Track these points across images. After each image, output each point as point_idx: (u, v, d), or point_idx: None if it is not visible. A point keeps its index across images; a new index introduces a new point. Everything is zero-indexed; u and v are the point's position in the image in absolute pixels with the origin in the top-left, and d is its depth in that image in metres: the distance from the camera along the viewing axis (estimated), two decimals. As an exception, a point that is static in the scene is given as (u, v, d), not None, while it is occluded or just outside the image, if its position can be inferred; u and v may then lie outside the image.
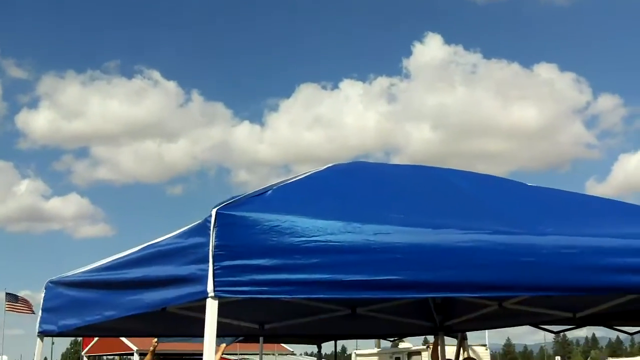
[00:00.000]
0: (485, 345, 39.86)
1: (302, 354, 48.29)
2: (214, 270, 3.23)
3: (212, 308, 3.25)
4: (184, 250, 3.53)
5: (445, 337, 7.59)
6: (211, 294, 3.23)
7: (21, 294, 51.76)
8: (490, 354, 42.17)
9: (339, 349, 14.07)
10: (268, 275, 3.28)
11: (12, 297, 49.03)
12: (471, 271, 3.49)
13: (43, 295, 5.68)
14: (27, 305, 48.46)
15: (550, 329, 7.30)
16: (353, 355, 43.69)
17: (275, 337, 12.79)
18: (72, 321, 5.14)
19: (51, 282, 5.60)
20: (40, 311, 5.71)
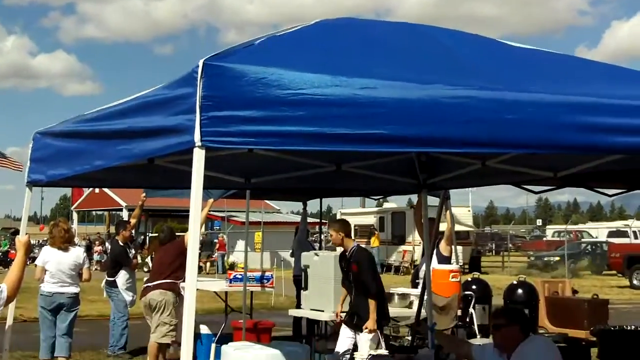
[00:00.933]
0: (468, 207, 40.59)
1: (289, 212, 49.13)
2: (201, 120, 3.27)
3: (199, 158, 3.31)
4: (172, 101, 3.55)
5: (429, 199, 7.72)
6: (198, 143, 3.28)
7: (9, 150, 52.03)
8: (473, 216, 43.06)
9: (324, 208, 14.33)
10: (254, 127, 3.32)
11: (1, 154, 49.11)
12: (455, 127, 3.54)
13: (31, 145, 5.72)
14: (15, 163, 48.65)
15: (532, 189, 7.43)
16: (338, 214, 44.44)
17: (262, 193, 12.97)
18: (60, 171, 5.21)
19: (39, 132, 5.63)
20: (28, 161, 5.77)
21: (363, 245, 9.77)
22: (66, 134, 5.09)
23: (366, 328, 8.52)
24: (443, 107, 3.51)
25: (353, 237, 9.68)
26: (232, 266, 35.06)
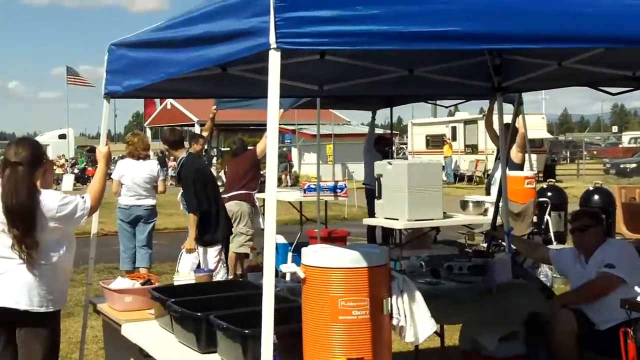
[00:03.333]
0: (542, 114, 39.97)
1: (358, 124, 49.07)
2: (275, 21, 3.23)
3: (274, 60, 3.29)
4: (245, 4, 3.52)
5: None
6: (273, 45, 3.25)
7: (81, 68, 52.83)
8: (547, 124, 42.39)
9: (394, 119, 14.16)
10: (329, 27, 3.27)
11: (73, 71, 50.03)
12: (533, 22, 3.47)
13: (106, 57, 5.78)
14: (86, 81, 49.55)
15: (609, 91, 7.27)
16: (409, 125, 44.25)
17: (332, 102, 12.94)
18: (136, 81, 5.25)
19: (113, 44, 5.67)
20: (104, 73, 5.84)
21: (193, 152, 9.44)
22: (140, 43, 5.12)
23: (183, 247, 8.38)
24: (520, 2, 3.44)
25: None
26: (297, 179, 35.39)
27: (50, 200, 4.98)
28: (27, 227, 4.87)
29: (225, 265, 8.65)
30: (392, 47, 3.42)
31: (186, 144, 9.73)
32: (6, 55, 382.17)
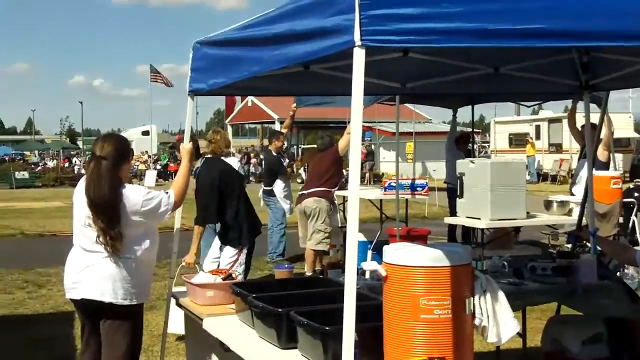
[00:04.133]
0: (629, 113, 39.02)
1: (440, 122, 48.68)
2: (360, 19, 3.22)
3: (359, 58, 3.27)
4: (329, 2, 3.51)
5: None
6: (358, 43, 3.23)
7: (164, 67, 53.90)
8: (634, 122, 41.37)
9: (476, 117, 13.96)
10: (414, 24, 3.25)
11: (156, 70, 51.02)
12: (623, 19, 3.38)
13: (190, 55, 5.85)
14: (166, 79, 50.54)
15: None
16: (492, 123, 43.71)
17: (413, 99, 12.83)
18: (220, 79, 5.31)
19: (197, 42, 5.74)
20: (189, 71, 5.91)
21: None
22: (224, 42, 5.16)
23: (184, 260, 7.72)
24: (609, -2, 3.36)
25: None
26: (380, 177, 35.25)
27: (135, 194, 5.08)
28: (110, 219, 4.98)
29: (242, 265, 8.25)
30: (479, 44, 3.36)
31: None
32: (91, 54, 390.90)
